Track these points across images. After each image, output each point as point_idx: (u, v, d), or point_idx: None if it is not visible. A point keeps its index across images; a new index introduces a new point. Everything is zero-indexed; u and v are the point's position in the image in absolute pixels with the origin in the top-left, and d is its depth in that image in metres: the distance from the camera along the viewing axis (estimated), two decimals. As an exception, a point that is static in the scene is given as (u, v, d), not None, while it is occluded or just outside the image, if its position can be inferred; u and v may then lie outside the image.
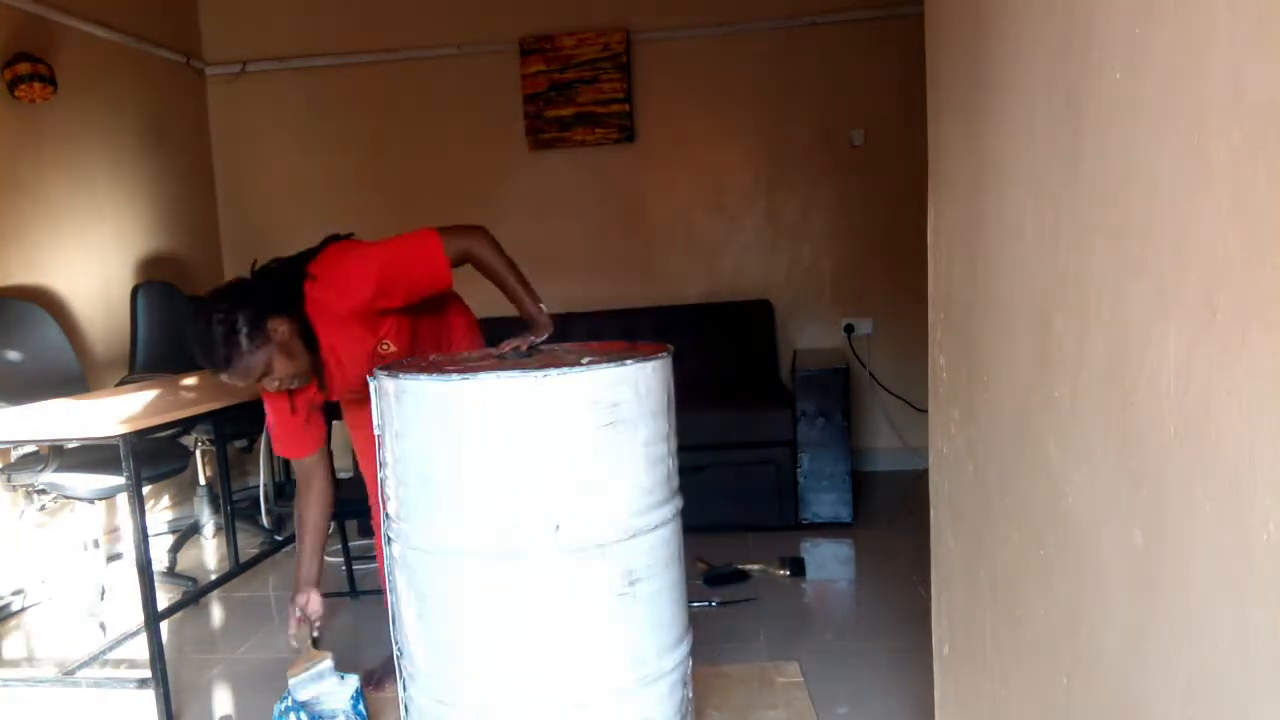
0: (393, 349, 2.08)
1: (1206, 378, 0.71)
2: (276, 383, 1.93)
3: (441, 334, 2.31)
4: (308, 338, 1.95)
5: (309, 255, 2.01)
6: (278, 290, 1.94)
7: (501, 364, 1.67)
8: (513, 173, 4.55)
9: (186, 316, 1.92)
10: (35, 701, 2.48)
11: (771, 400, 3.77)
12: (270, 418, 2.15)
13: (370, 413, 1.77)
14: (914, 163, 1.92)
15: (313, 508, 2.21)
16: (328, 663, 2.14)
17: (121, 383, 3.35)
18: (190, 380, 3.04)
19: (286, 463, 4.45)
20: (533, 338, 1.98)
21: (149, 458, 2.85)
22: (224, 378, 1.90)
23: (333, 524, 3.49)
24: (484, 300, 2.41)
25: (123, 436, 2.16)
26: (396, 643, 1.74)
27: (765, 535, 3.54)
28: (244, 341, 1.84)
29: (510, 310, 2.11)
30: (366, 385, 1.77)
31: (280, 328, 1.89)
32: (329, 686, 2.13)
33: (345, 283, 1.94)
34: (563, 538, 1.52)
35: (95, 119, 3.81)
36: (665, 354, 1.67)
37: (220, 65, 4.64)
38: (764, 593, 2.95)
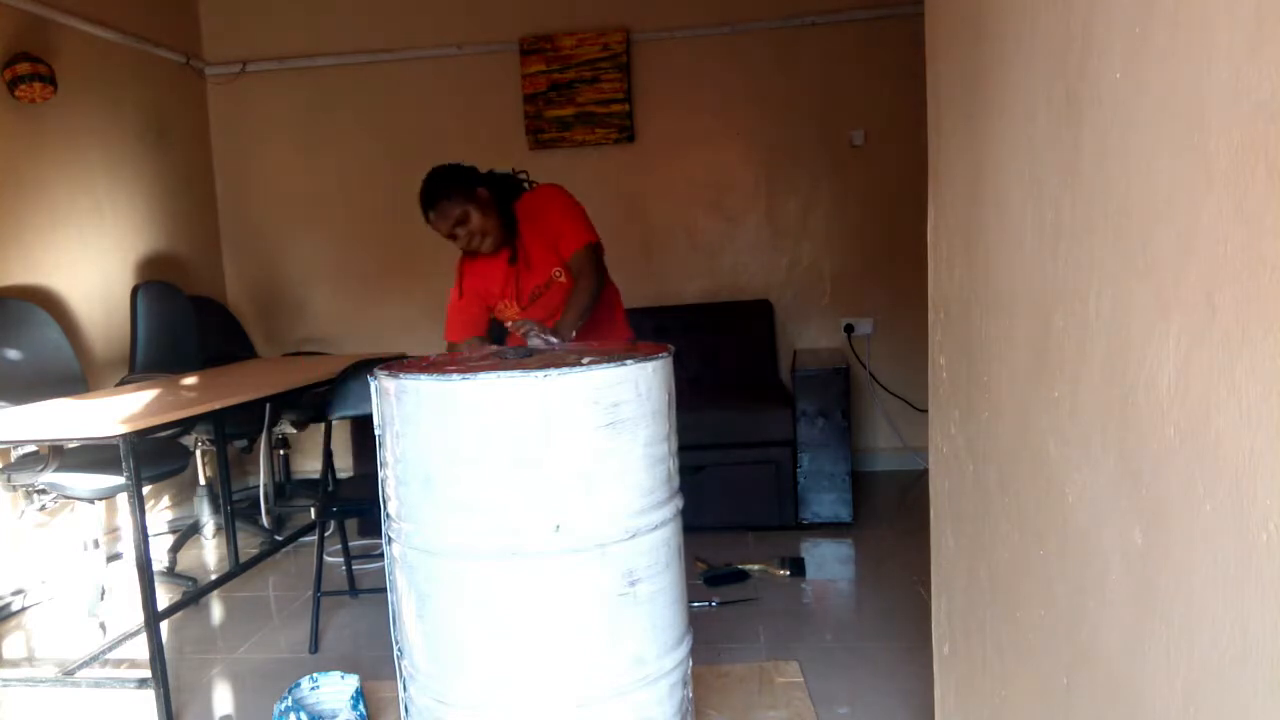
0: (563, 279, 2.50)
1: (1206, 378, 0.71)
2: (468, 236, 2.40)
3: (609, 301, 2.67)
4: (506, 216, 2.45)
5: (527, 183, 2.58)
6: (498, 176, 2.51)
7: (502, 364, 1.67)
8: (513, 173, 4.54)
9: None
10: (35, 701, 2.48)
11: (771, 400, 3.77)
12: (451, 301, 2.58)
13: (537, 311, 2.46)
14: (914, 163, 1.92)
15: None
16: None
17: (121, 383, 3.35)
18: (190, 380, 3.04)
19: (286, 463, 4.45)
20: (552, 338, 2.09)
21: (149, 458, 2.85)
22: (431, 216, 2.39)
23: (332, 524, 3.51)
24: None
25: (123, 436, 2.16)
26: (397, 642, 1.74)
27: (765, 535, 3.54)
28: (453, 189, 2.38)
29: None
30: (535, 289, 2.46)
31: (484, 193, 2.42)
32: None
33: (542, 200, 2.50)
34: (563, 538, 1.52)
35: (95, 119, 3.81)
36: (666, 354, 1.67)
37: (220, 65, 4.64)
38: (764, 593, 2.95)
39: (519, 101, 4.47)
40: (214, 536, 3.91)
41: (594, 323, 2.53)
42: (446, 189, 2.38)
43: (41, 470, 2.74)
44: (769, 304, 4.42)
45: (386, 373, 1.63)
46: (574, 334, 2.26)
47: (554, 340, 2.06)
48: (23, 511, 3.05)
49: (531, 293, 2.52)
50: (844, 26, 4.31)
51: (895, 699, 2.19)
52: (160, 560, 3.45)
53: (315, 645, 2.74)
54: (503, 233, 2.45)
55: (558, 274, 2.49)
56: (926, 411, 1.63)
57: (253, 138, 4.68)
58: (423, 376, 1.56)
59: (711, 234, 4.50)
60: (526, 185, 2.57)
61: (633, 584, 1.58)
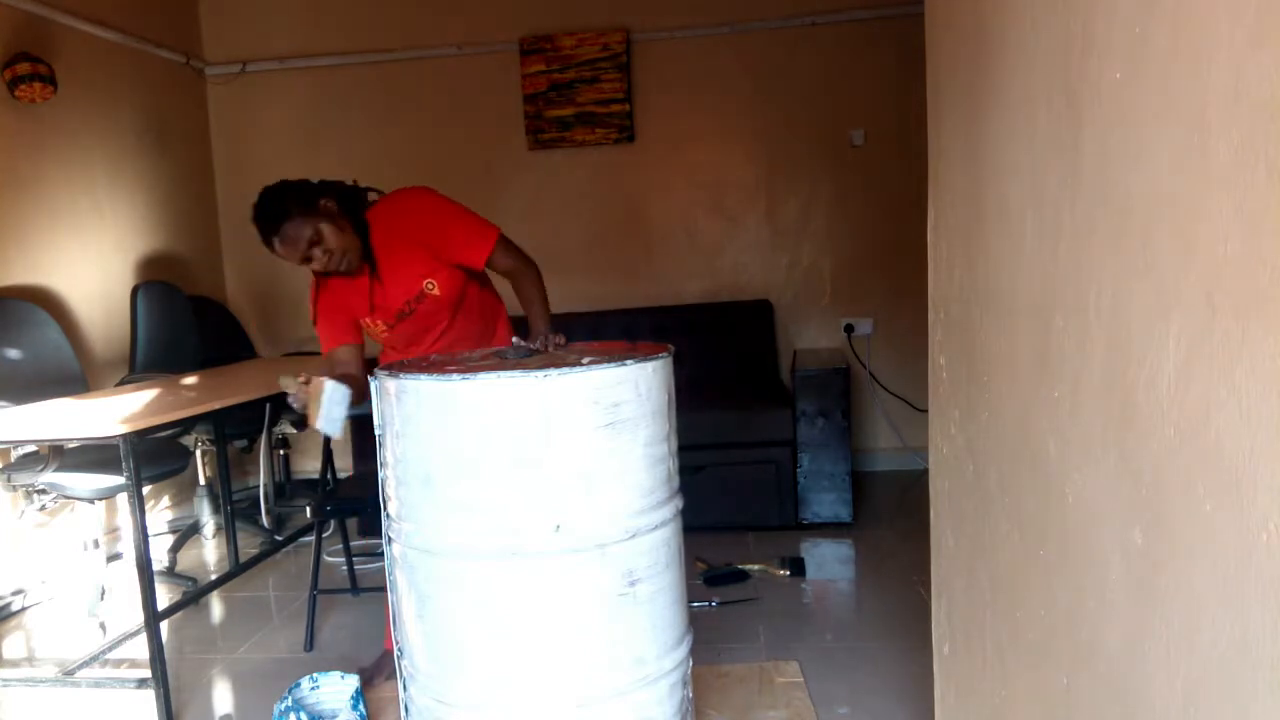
0: (437, 293, 2.22)
1: (1206, 378, 0.71)
2: (325, 256, 2.08)
3: (488, 314, 2.40)
4: (358, 225, 2.14)
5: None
6: (335, 184, 2.17)
7: (502, 364, 1.67)
8: (513, 173, 4.55)
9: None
10: (35, 701, 2.48)
11: (771, 400, 3.77)
12: (319, 299, 2.25)
13: (406, 328, 2.15)
14: (914, 163, 1.92)
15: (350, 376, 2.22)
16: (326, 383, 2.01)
17: (121, 383, 3.35)
18: (190, 380, 3.04)
19: (287, 463, 4.45)
20: (559, 339, 1.99)
21: (149, 458, 2.85)
22: (276, 245, 2.06)
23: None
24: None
25: (123, 436, 2.16)
26: (397, 642, 1.74)
27: (765, 535, 3.54)
28: (294, 208, 2.05)
29: (513, 309, 2.13)
30: (405, 306, 2.14)
31: (329, 204, 2.10)
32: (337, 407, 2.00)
33: (404, 204, 2.18)
34: (563, 538, 1.52)
35: (95, 119, 3.81)
36: (666, 354, 1.67)
37: (220, 65, 4.64)
38: (764, 593, 2.95)
39: (519, 101, 4.47)
40: (214, 536, 3.91)
41: (472, 338, 2.35)
42: (287, 207, 2.05)
43: (41, 470, 2.75)
44: (769, 304, 4.42)
45: (386, 373, 1.63)
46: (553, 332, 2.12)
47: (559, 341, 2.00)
48: (23, 511, 3.05)
49: (400, 310, 2.23)
50: (844, 26, 4.31)
51: (895, 699, 2.19)
52: (160, 560, 3.45)
53: (311, 644, 2.74)
54: (360, 245, 2.15)
55: (430, 286, 2.21)
56: (926, 411, 1.63)
57: (253, 138, 4.68)
58: (423, 376, 1.56)
59: (711, 234, 4.50)
60: (372, 196, 2.26)
61: (633, 584, 1.58)
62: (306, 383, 1.98)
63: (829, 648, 2.52)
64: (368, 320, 2.26)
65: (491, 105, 4.51)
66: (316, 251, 2.08)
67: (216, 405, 2.48)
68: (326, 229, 2.06)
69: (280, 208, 2.05)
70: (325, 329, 2.26)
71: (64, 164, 3.61)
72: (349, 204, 2.16)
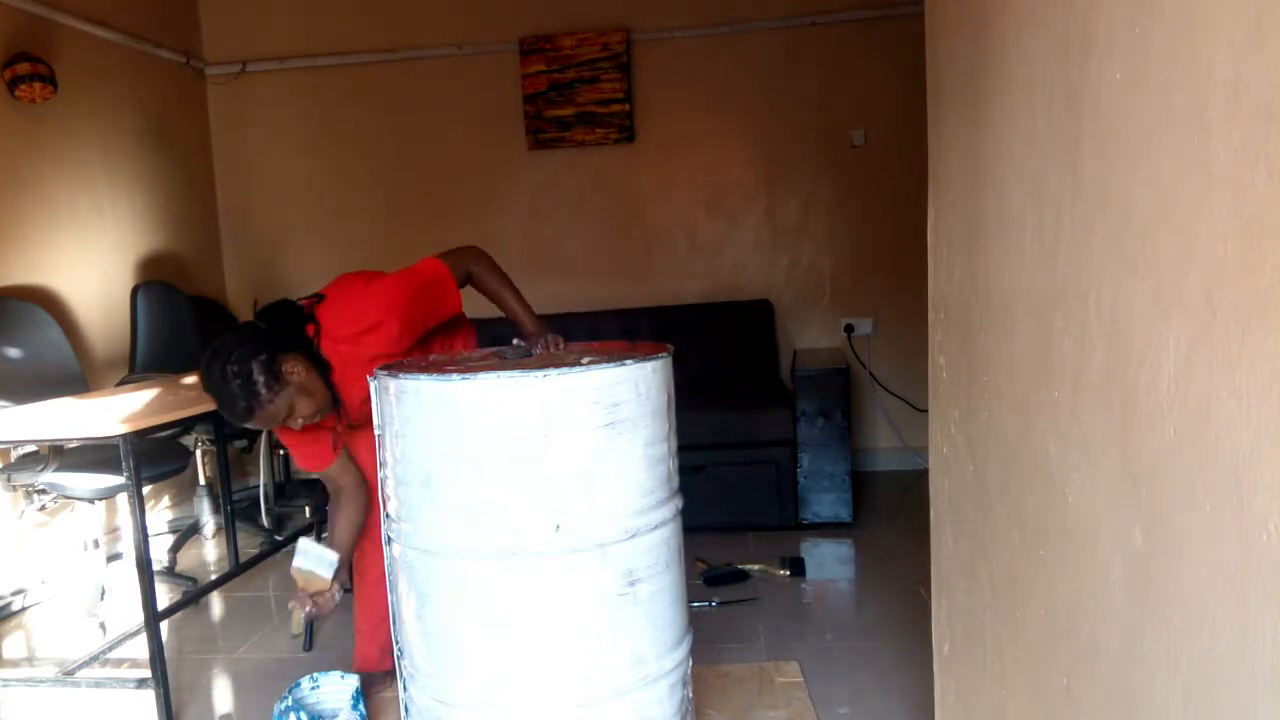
0: None
1: (1206, 378, 0.71)
2: (300, 421, 1.93)
3: (449, 342, 2.34)
4: (321, 369, 1.94)
5: (312, 296, 2.03)
6: (283, 326, 1.94)
7: (502, 364, 1.67)
8: (513, 173, 4.55)
9: (201, 367, 1.90)
10: (35, 701, 2.48)
11: (771, 400, 3.77)
12: (284, 439, 2.16)
13: (369, 437, 1.80)
14: (914, 163, 1.92)
15: (342, 513, 2.22)
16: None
17: (121, 383, 3.35)
18: (190, 380, 3.04)
19: (287, 462, 4.45)
20: (556, 339, 1.96)
21: (149, 458, 2.85)
22: (247, 425, 1.91)
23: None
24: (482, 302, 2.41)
25: (123, 436, 2.16)
26: (397, 642, 1.74)
27: (765, 535, 3.54)
28: (263, 390, 1.84)
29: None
30: (364, 407, 1.81)
31: (296, 368, 1.89)
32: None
33: (360, 314, 1.95)
34: (563, 538, 1.52)
35: (95, 119, 3.81)
36: (665, 354, 1.67)
37: (220, 65, 4.64)
38: (764, 593, 2.95)
39: (519, 101, 4.47)
40: (214, 536, 3.91)
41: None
42: (256, 393, 1.84)
43: (41, 470, 2.74)
44: (769, 304, 4.42)
45: (386, 373, 1.63)
46: (537, 320, 2.09)
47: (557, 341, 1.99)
48: (23, 511, 3.05)
49: (361, 412, 2.00)
50: (844, 26, 4.31)
51: (895, 699, 2.19)
52: (160, 560, 3.45)
53: (310, 643, 2.74)
54: (330, 393, 1.97)
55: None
56: (926, 411, 1.63)
57: (253, 138, 4.68)
58: (423, 376, 1.56)
59: (711, 234, 4.50)
60: (308, 314, 2.00)
61: (633, 584, 1.58)
62: (310, 602, 2.04)
63: (829, 648, 2.52)
64: (334, 434, 2.15)
65: (491, 105, 4.51)
66: (291, 421, 1.93)
67: (216, 405, 2.47)
68: (300, 401, 1.90)
69: (248, 395, 1.84)
70: (306, 456, 2.16)
71: (64, 164, 3.61)
72: (305, 346, 1.94)
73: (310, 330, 1.97)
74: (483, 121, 4.54)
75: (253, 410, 1.86)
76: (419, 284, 2.01)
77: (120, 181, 3.95)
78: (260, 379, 1.84)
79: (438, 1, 4.51)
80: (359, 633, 2.42)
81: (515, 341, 1.95)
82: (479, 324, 2.51)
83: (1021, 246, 1.11)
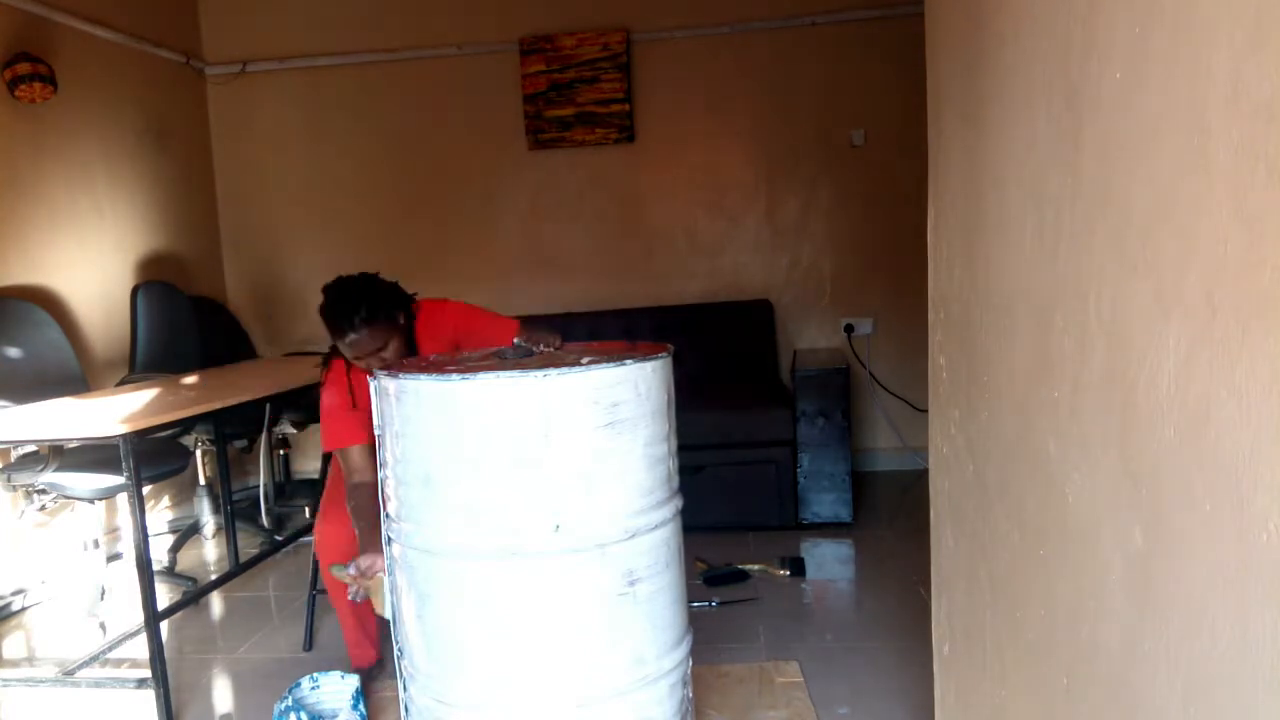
0: None
1: (1206, 378, 0.71)
2: (381, 363, 2.08)
3: None
4: (411, 336, 2.25)
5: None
6: (405, 297, 2.25)
7: (502, 364, 1.67)
8: (513, 173, 4.55)
9: (342, 280, 2.21)
10: (35, 701, 2.48)
11: (771, 400, 3.77)
12: (327, 408, 2.27)
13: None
14: (914, 163, 1.92)
15: (368, 509, 2.17)
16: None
17: (121, 383, 3.35)
18: (190, 380, 3.04)
19: (287, 463, 4.45)
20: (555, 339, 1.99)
21: (149, 458, 2.85)
22: (350, 338, 2.09)
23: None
24: (481, 297, 2.42)
25: (123, 436, 2.16)
26: (397, 642, 1.74)
27: (765, 535, 3.54)
28: (382, 314, 2.11)
29: (513, 310, 2.11)
30: None
31: (404, 321, 2.20)
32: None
33: (440, 314, 2.31)
34: (563, 538, 1.52)
35: (95, 119, 3.81)
36: (665, 354, 1.67)
37: (220, 65, 4.64)
38: (764, 593, 2.95)
39: (519, 101, 4.47)
40: (214, 536, 3.91)
41: None
42: (373, 313, 2.10)
43: (41, 470, 2.74)
44: (769, 304, 4.42)
45: (386, 373, 1.63)
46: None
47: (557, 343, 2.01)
48: (23, 511, 3.05)
49: None
50: (844, 26, 4.31)
51: (895, 699, 2.19)
52: (160, 560, 3.45)
53: (310, 643, 2.75)
54: (408, 352, 2.23)
55: None
56: (926, 411, 1.63)
57: (253, 138, 4.68)
58: (423, 376, 1.56)
59: (711, 234, 4.50)
60: (414, 299, 2.32)
61: (632, 584, 1.58)
62: (360, 574, 2.00)
63: (829, 648, 2.52)
64: None
65: (491, 105, 4.51)
66: (374, 360, 2.10)
67: (216, 405, 2.48)
68: (394, 343, 2.13)
69: (364, 311, 2.08)
70: (339, 424, 2.25)
71: (64, 164, 3.61)
72: (409, 316, 2.24)
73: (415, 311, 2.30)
74: (483, 121, 4.54)
75: (371, 321, 2.08)
76: (489, 313, 2.35)
77: (120, 181, 3.95)
78: (384, 304, 2.13)
79: (438, 1, 4.51)
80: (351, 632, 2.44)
81: (516, 341, 1.96)
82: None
83: (1021, 246, 1.11)
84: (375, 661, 2.44)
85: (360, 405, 2.20)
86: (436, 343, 2.28)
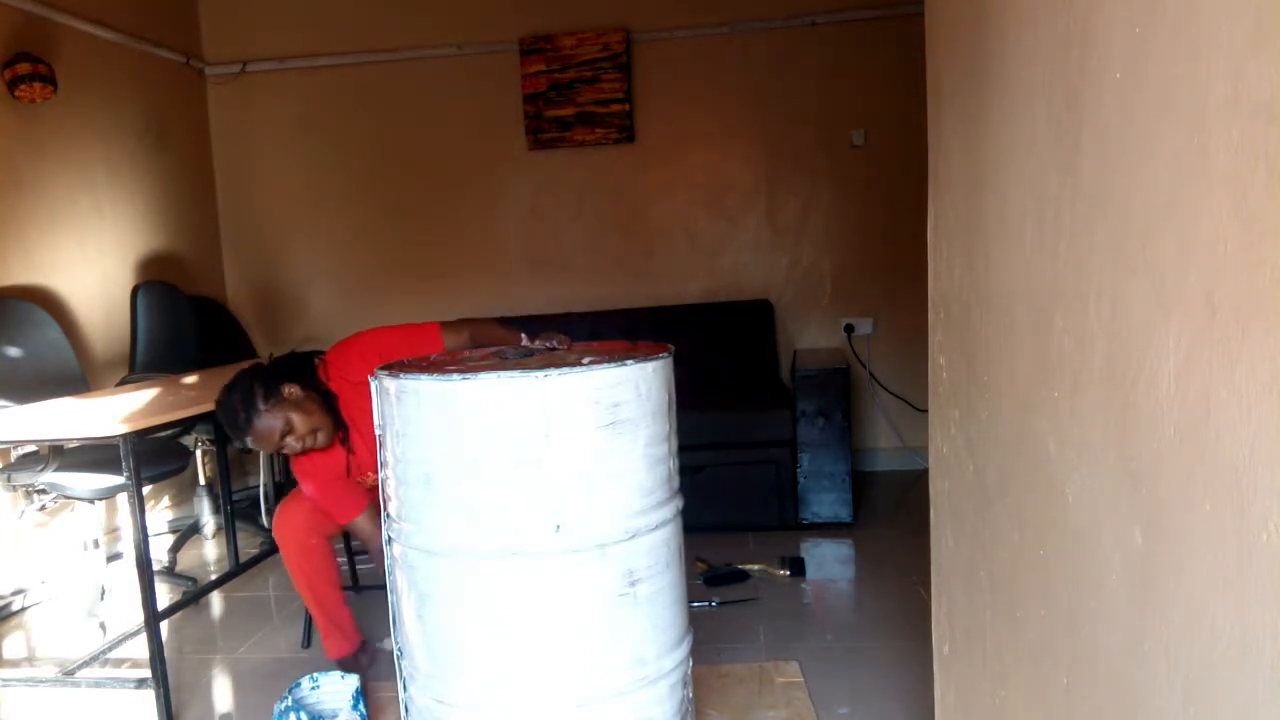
0: None
1: (1206, 378, 0.71)
2: (299, 442, 2.16)
3: None
4: (324, 398, 2.20)
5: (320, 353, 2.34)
6: (287, 363, 2.23)
7: (502, 364, 1.67)
8: (513, 173, 4.55)
9: (215, 402, 2.21)
10: (35, 701, 2.48)
11: (771, 400, 3.77)
12: (314, 491, 2.32)
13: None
14: (914, 163, 1.92)
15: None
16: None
17: (121, 383, 3.35)
18: (190, 380, 3.04)
19: (286, 462, 4.44)
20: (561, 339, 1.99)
21: (149, 458, 2.85)
22: (249, 442, 2.14)
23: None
24: (486, 303, 2.42)
25: (123, 436, 2.16)
26: (397, 643, 1.74)
27: (765, 535, 3.54)
28: (260, 403, 2.11)
29: (513, 310, 2.11)
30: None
31: (293, 389, 2.16)
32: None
33: (349, 355, 2.24)
34: (563, 538, 1.52)
35: (95, 119, 3.81)
36: (666, 354, 1.67)
37: (220, 65, 4.64)
38: (764, 593, 2.95)
39: (519, 101, 4.47)
40: (214, 536, 3.91)
41: None
42: (254, 405, 2.11)
43: (41, 470, 2.74)
44: (769, 304, 4.42)
45: (387, 373, 1.63)
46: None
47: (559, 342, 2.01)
48: (23, 511, 3.05)
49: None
50: (844, 26, 4.31)
51: (895, 699, 2.19)
52: (160, 560, 3.45)
53: (308, 640, 2.75)
54: (331, 418, 2.22)
55: None
56: (926, 411, 1.63)
57: (253, 137, 4.68)
58: (423, 376, 1.56)
59: (711, 234, 4.50)
60: (316, 358, 2.32)
61: (633, 584, 1.58)
62: None
63: (829, 648, 2.52)
64: (356, 479, 2.34)
65: (491, 105, 4.51)
66: (289, 440, 2.16)
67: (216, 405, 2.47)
68: (295, 417, 2.13)
69: (246, 407, 2.11)
70: (332, 501, 2.32)
71: (64, 164, 3.61)
72: (308, 380, 2.20)
73: (320, 368, 2.26)
74: (483, 121, 4.54)
75: (251, 421, 2.10)
76: (402, 338, 2.23)
77: (120, 181, 3.95)
78: (259, 392, 2.12)
79: (438, 1, 4.51)
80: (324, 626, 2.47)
81: (526, 342, 1.96)
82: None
83: (1021, 246, 1.11)
84: (352, 652, 2.45)
85: (325, 479, 2.29)
86: (358, 385, 2.15)
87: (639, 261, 4.54)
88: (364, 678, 2.30)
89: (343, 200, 4.64)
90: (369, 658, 2.48)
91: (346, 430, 2.27)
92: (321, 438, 2.20)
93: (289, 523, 2.32)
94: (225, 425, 2.16)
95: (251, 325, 4.69)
